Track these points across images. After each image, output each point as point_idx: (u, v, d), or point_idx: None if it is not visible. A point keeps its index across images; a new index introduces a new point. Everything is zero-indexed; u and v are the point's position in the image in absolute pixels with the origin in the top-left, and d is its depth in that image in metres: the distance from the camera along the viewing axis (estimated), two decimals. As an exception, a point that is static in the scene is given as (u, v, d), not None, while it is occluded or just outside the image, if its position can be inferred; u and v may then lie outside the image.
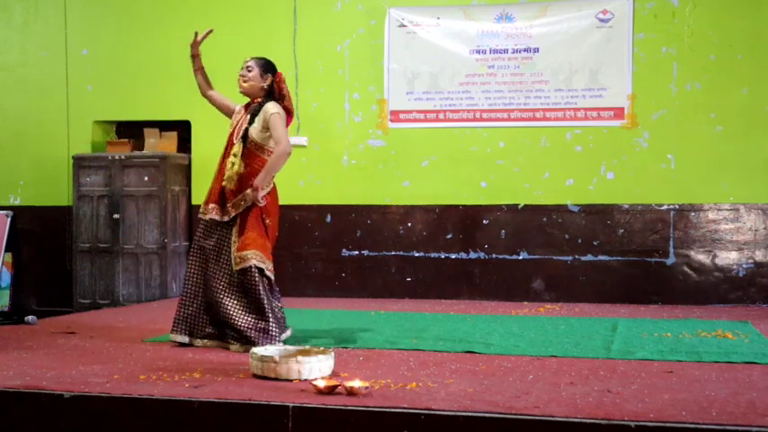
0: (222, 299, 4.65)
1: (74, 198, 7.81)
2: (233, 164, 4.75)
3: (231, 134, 4.89)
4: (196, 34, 5.06)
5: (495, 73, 7.41)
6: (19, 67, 8.38)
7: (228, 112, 5.05)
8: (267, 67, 4.92)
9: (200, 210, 4.87)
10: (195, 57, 5.08)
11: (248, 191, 4.72)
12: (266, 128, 4.77)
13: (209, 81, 5.14)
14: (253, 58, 4.95)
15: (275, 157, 4.79)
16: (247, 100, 4.95)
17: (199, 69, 5.09)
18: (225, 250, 4.73)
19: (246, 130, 4.79)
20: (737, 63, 7.04)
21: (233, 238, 4.72)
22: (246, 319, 4.59)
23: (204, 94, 5.12)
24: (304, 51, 7.76)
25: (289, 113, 4.91)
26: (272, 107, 4.78)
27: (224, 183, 4.77)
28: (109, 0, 8.17)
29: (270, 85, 4.88)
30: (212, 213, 4.79)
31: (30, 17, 8.33)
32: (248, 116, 4.83)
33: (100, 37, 8.15)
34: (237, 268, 4.63)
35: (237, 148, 4.76)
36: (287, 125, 4.88)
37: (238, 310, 4.62)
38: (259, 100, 4.87)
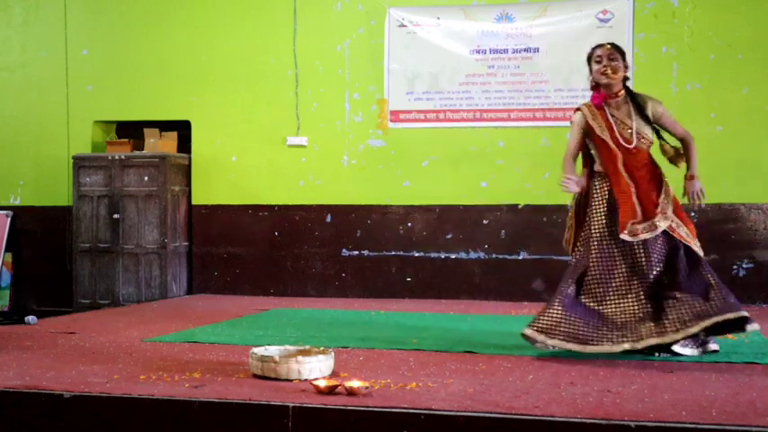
0: None
1: (74, 198, 7.81)
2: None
3: (614, 138, 4.49)
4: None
5: (495, 73, 7.41)
6: (19, 67, 8.38)
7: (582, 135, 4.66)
8: (623, 52, 4.55)
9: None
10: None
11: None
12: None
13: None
14: (610, 46, 4.53)
15: (694, 149, 4.65)
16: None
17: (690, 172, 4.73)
18: None
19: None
20: (737, 63, 7.04)
21: None
22: None
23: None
24: (304, 51, 7.76)
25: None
26: (655, 99, 4.59)
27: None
28: (109, 0, 8.17)
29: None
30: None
31: (30, 17, 8.33)
32: (633, 113, 4.52)
33: (100, 37, 8.15)
34: None
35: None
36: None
37: None
38: (620, 90, 4.56)
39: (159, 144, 7.93)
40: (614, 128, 4.52)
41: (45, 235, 8.14)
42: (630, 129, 4.52)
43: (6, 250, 6.95)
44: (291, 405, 3.18)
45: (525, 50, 7.37)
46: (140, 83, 8.06)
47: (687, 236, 4.38)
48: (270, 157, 7.81)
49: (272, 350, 3.98)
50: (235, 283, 7.86)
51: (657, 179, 4.55)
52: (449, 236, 7.50)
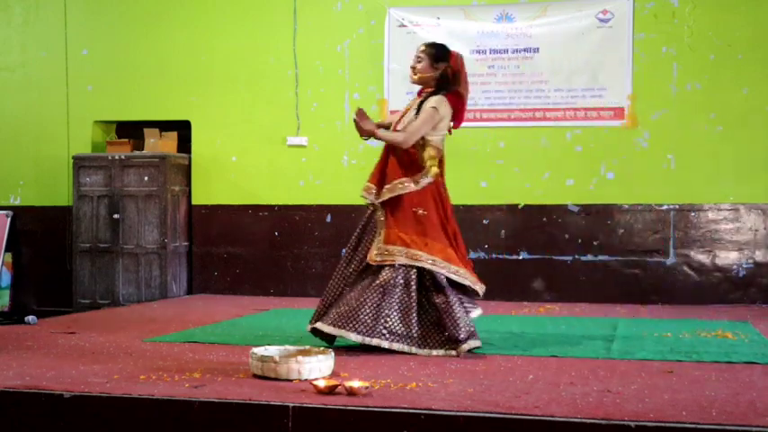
0: None
1: (74, 198, 7.81)
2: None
3: (396, 123, 4.70)
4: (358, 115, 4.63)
5: (495, 73, 7.41)
6: (19, 67, 8.38)
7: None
8: (438, 55, 4.65)
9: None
10: (374, 134, 4.66)
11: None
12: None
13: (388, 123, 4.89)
14: (424, 46, 4.70)
15: (394, 135, 4.61)
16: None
17: (378, 130, 4.68)
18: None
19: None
20: (737, 63, 7.04)
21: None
22: None
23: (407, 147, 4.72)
24: (304, 51, 7.76)
25: (461, 98, 4.67)
26: (434, 101, 4.58)
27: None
28: (109, 0, 8.17)
29: (442, 74, 4.63)
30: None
31: (30, 17, 8.33)
32: (416, 109, 4.64)
33: (100, 37, 8.15)
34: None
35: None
36: (462, 112, 4.68)
37: None
38: (431, 89, 4.66)
39: (159, 144, 7.93)
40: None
41: (45, 235, 8.14)
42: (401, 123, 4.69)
43: (6, 250, 6.95)
44: (291, 405, 3.18)
45: (525, 50, 7.37)
46: (140, 83, 8.06)
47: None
48: (270, 157, 7.81)
49: (272, 350, 3.98)
50: (235, 283, 7.86)
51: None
52: (449, 236, 7.48)
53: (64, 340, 4.92)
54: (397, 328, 4.43)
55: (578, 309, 6.74)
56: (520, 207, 7.40)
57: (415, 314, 4.46)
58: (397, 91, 7.57)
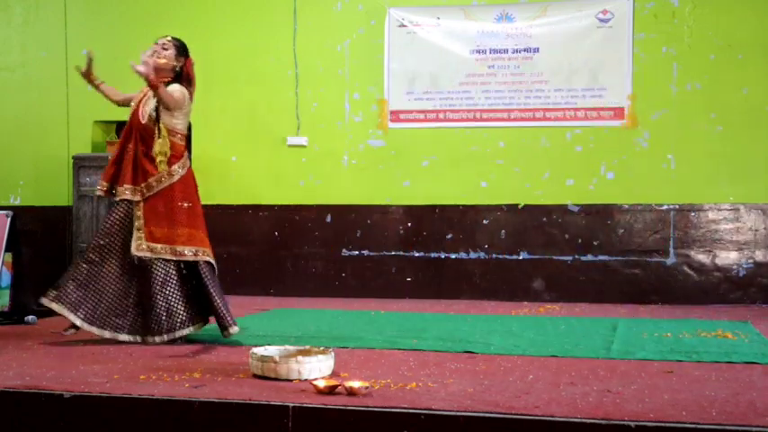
0: None
1: (74, 198, 7.81)
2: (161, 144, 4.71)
3: (134, 112, 4.89)
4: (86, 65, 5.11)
5: (495, 73, 7.42)
6: (19, 67, 8.38)
7: (128, 101, 5.06)
8: (183, 49, 4.93)
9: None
10: (91, 81, 5.09)
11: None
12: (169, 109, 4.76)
13: (114, 90, 5.18)
14: (171, 38, 4.96)
15: (170, 96, 4.74)
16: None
17: (99, 86, 5.13)
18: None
19: (157, 109, 4.78)
20: (737, 63, 7.04)
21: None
22: None
23: (117, 103, 5.15)
24: (304, 51, 7.76)
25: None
26: (181, 88, 4.80)
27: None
28: (109, 0, 8.17)
29: (181, 68, 4.89)
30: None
31: (30, 17, 8.33)
32: (155, 98, 4.77)
33: (100, 37, 8.14)
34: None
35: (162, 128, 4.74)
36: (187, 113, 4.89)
37: None
38: (167, 80, 4.85)
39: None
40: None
41: (45, 235, 8.14)
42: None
43: (6, 250, 6.94)
44: (291, 405, 3.18)
45: (525, 50, 7.38)
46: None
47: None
48: (270, 157, 7.81)
49: (272, 350, 3.98)
50: (235, 283, 7.85)
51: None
52: (449, 236, 7.50)
53: (64, 340, 4.92)
54: (178, 317, 4.71)
55: (578, 309, 6.74)
56: (520, 207, 7.40)
57: (182, 304, 4.73)
58: (397, 91, 7.57)
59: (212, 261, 4.88)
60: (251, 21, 7.87)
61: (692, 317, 6.15)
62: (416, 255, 7.55)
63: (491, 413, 3.07)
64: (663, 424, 2.91)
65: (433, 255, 7.52)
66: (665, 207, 7.15)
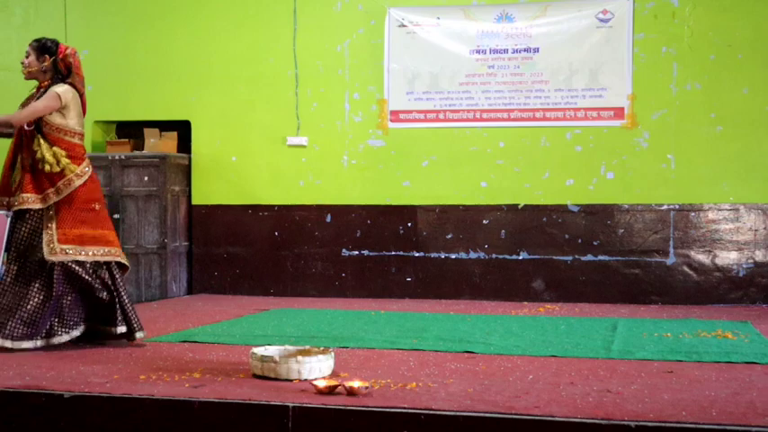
0: None
1: (74, 198, 7.80)
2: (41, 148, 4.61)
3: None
4: None
5: (495, 73, 7.41)
6: (19, 67, 8.35)
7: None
8: (43, 47, 4.81)
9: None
10: None
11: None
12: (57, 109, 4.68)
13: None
14: (31, 42, 4.88)
15: (35, 109, 4.68)
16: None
17: None
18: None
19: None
20: (737, 63, 7.04)
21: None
22: None
23: (19, 126, 4.80)
24: (304, 51, 7.76)
25: (79, 93, 4.79)
26: (57, 87, 4.70)
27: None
28: (109, 0, 8.17)
29: (53, 65, 4.78)
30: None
31: (30, 17, 8.32)
32: (36, 101, 4.72)
33: (100, 37, 8.15)
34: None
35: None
36: (83, 107, 4.80)
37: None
38: (47, 83, 4.78)
39: (159, 144, 7.93)
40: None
41: (45, 235, 8.13)
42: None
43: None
44: (291, 405, 3.18)
45: (525, 50, 7.38)
46: (140, 83, 8.06)
47: None
48: (270, 157, 7.81)
49: (272, 350, 3.98)
50: (235, 283, 7.86)
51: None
52: (449, 236, 7.50)
53: (64, 340, 4.91)
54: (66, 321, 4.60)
55: (578, 309, 6.75)
56: (520, 207, 7.40)
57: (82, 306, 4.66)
58: (397, 91, 7.57)
59: (124, 261, 4.78)
60: (251, 21, 7.87)
61: (691, 317, 6.16)
62: (416, 255, 7.55)
63: (491, 413, 3.07)
64: (663, 424, 2.91)
65: (432, 255, 7.52)
66: (664, 207, 7.15)
